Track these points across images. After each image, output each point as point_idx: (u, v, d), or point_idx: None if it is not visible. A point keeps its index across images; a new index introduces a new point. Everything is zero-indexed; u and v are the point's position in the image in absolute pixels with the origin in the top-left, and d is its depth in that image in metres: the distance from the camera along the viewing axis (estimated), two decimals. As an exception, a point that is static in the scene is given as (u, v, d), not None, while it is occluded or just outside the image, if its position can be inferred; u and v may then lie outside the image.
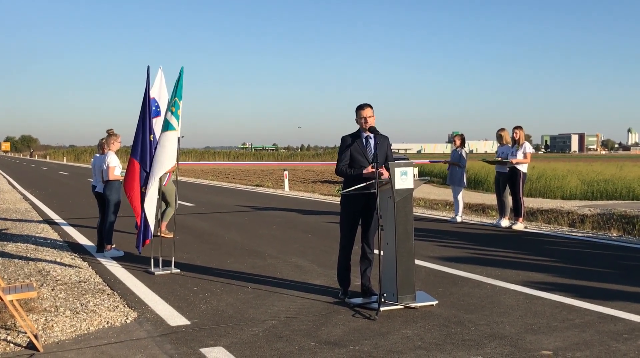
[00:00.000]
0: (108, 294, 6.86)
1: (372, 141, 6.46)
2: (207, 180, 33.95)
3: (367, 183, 6.16)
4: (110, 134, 9.65)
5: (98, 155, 9.73)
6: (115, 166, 9.38)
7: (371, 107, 6.50)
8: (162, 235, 10.46)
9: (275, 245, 10.32)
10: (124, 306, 6.34)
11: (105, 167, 9.40)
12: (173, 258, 8.28)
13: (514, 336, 5.27)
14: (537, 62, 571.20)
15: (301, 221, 13.77)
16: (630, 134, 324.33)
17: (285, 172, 26.40)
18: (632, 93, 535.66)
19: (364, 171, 6.32)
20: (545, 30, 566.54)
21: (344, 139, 6.54)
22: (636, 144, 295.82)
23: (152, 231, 8.00)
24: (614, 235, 11.48)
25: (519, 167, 12.15)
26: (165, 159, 7.85)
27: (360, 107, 6.48)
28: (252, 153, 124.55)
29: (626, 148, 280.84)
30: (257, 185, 28.40)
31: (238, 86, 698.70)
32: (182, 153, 8.16)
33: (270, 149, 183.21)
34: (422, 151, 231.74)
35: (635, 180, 22.01)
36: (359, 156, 6.42)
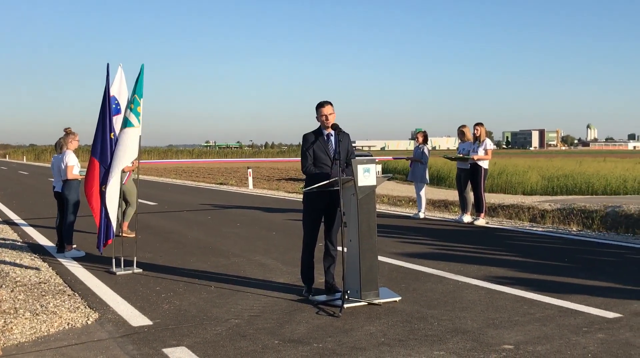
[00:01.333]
0: (69, 295, 6.75)
1: (333, 138, 6.47)
2: (170, 179, 33.66)
3: (330, 180, 6.16)
4: (68, 132, 9.50)
5: (57, 155, 9.57)
6: (74, 165, 9.24)
7: (331, 104, 6.51)
8: (124, 234, 10.34)
9: (239, 243, 10.27)
10: (85, 307, 6.25)
11: (63, 166, 9.26)
12: (135, 258, 8.18)
13: (476, 331, 5.32)
14: (498, 59, 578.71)
15: (265, 219, 13.73)
16: (589, 130, 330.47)
17: (249, 170, 26.32)
18: (592, 90, 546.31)
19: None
20: (505, 28, 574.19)
21: (306, 137, 6.53)
22: (595, 140, 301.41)
23: (114, 231, 7.90)
24: (574, 229, 11.67)
25: (480, 163, 12.28)
26: (123, 156, 7.76)
27: (321, 105, 6.49)
28: (216, 150, 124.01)
29: (585, 143, 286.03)
30: (221, 183, 28.26)
31: (201, 84, 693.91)
32: (144, 151, 8.06)
33: (234, 147, 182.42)
34: (386, 148, 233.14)
35: (594, 175, 22.40)
36: (321, 154, 6.42)
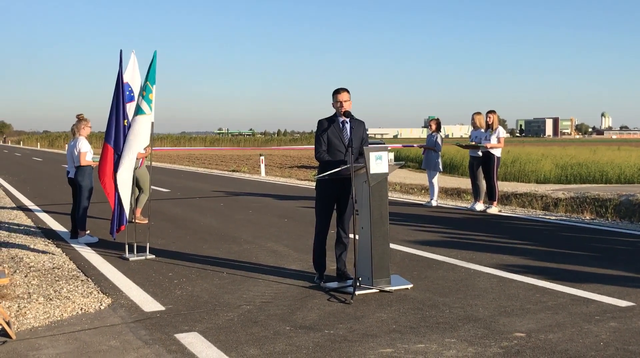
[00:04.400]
0: (82, 280, 6.80)
1: (347, 126, 6.46)
2: (183, 166, 33.76)
3: (342, 167, 6.15)
4: (80, 119, 9.53)
5: (71, 141, 9.62)
6: (87, 152, 9.28)
7: (348, 91, 6.49)
8: (137, 220, 10.39)
9: (251, 230, 10.30)
10: (98, 293, 6.29)
11: (76, 153, 9.30)
12: (148, 244, 8.23)
13: (488, 318, 5.32)
14: (512, 47, 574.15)
15: (277, 206, 13.75)
16: (603, 118, 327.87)
17: (262, 157, 26.34)
18: (606, 78, 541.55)
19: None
20: (520, 16, 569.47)
21: (320, 122, 6.53)
22: (609, 129, 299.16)
23: (127, 217, 7.93)
24: (587, 217, 11.62)
25: (493, 151, 12.22)
26: (135, 143, 7.78)
27: (337, 92, 6.47)
28: (229, 138, 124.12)
29: (600, 132, 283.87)
30: (234, 170, 28.31)
31: (215, 71, 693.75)
32: (157, 138, 8.10)
33: (247, 135, 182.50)
34: (399, 136, 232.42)
35: (608, 164, 22.28)
36: (336, 140, 6.41)
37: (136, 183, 10.24)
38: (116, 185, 7.72)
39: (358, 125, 6.47)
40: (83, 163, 9.25)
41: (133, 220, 9.45)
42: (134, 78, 8.33)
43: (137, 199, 10.75)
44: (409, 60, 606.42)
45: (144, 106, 7.84)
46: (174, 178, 23.03)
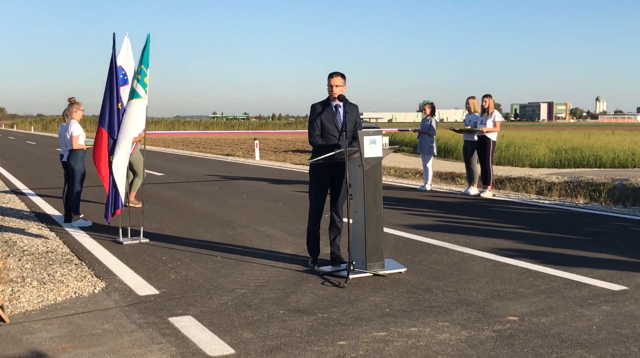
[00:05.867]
0: (76, 264, 6.79)
1: (341, 110, 6.44)
2: (177, 149, 33.68)
3: (336, 151, 6.14)
4: (72, 102, 9.47)
5: (64, 124, 9.57)
6: (79, 135, 9.23)
7: (342, 76, 6.46)
8: (131, 204, 10.36)
9: (246, 214, 10.30)
10: (92, 276, 6.29)
11: (68, 136, 9.25)
12: (142, 228, 8.22)
13: (481, 302, 5.34)
14: (506, 31, 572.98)
15: (272, 190, 13.74)
16: (598, 102, 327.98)
17: (256, 141, 26.29)
18: (601, 62, 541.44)
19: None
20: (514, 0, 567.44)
21: (314, 107, 6.50)
22: (604, 113, 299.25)
23: (123, 201, 7.91)
24: (581, 202, 11.65)
25: (488, 136, 12.21)
26: (131, 127, 7.74)
27: (330, 75, 6.46)
28: (223, 122, 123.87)
29: (594, 116, 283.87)
30: (228, 154, 28.27)
31: (209, 54, 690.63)
32: (151, 122, 8.09)
33: (242, 119, 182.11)
34: (394, 120, 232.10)
35: (602, 148, 22.32)
36: (329, 124, 6.39)
37: (130, 167, 10.22)
38: (111, 169, 7.70)
39: (352, 109, 6.46)
40: (75, 147, 9.21)
41: (127, 204, 9.43)
42: (127, 61, 8.30)
43: (131, 183, 10.72)
44: (405, 44, 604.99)
45: (139, 89, 7.80)
46: (168, 162, 22.98)
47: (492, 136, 12.26)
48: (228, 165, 21.74)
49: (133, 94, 7.81)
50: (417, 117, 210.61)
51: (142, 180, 10.23)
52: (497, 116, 12.28)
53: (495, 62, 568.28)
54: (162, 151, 32.09)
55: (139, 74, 7.83)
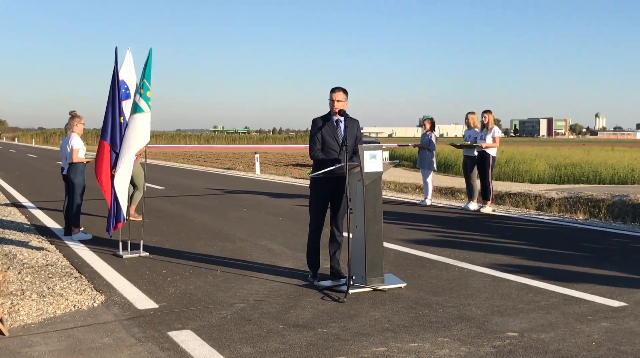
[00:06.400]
0: (75, 277, 6.78)
1: (342, 124, 6.47)
2: (178, 163, 33.72)
3: (337, 166, 6.15)
4: (73, 115, 9.49)
5: (65, 137, 9.59)
6: (79, 149, 9.24)
7: (344, 91, 6.50)
8: (131, 218, 10.35)
9: (246, 228, 10.29)
10: (92, 290, 6.28)
11: (69, 149, 9.26)
12: (142, 241, 8.21)
13: (481, 318, 5.32)
14: (507, 47, 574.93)
15: (272, 204, 13.74)
16: (597, 119, 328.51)
17: (257, 155, 26.31)
18: (600, 79, 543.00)
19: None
20: (515, 16, 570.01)
21: (315, 121, 6.54)
22: (603, 129, 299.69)
23: (124, 215, 7.90)
24: (580, 218, 11.64)
25: (488, 151, 12.23)
26: (134, 142, 7.75)
27: (332, 90, 6.51)
28: (224, 136, 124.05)
29: (594, 132, 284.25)
30: (228, 168, 28.29)
31: (210, 69, 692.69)
32: (152, 136, 8.10)
33: (242, 133, 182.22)
34: (394, 135, 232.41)
35: (602, 164, 22.32)
36: (330, 139, 6.43)
37: (130, 180, 10.22)
38: (113, 183, 7.70)
39: (352, 124, 6.49)
40: (75, 160, 9.22)
41: (127, 217, 9.43)
42: (129, 75, 8.32)
43: (131, 197, 10.71)
44: (405, 60, 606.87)
45: (143, 104, 7.81)
46: (169, 175, 22.99)
47: (492, 152, 12.29)
48: (228, 179, 21.75)
49: (136, 109, 7.82)
50: (417, 132, 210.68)
51: (142, 193, 10.23)
52: (497, 132, 12.31)
53: (495, 78, 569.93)
54: (163, 164, 32.11)
55: (141, 88, 7.85)
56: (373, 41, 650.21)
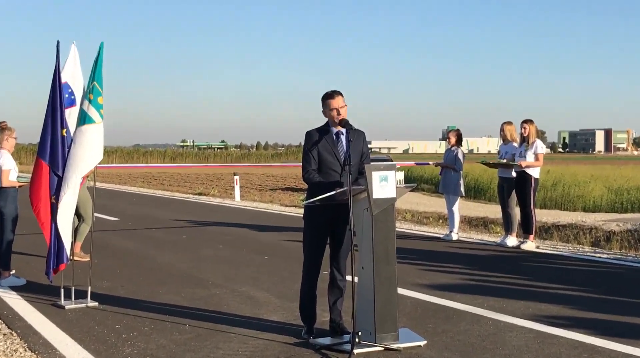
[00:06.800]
0: (4, 334, 6.76)
1: (343, 138, 6.47)
2: (136, 187, 33.75)
3: (338, 190, 6.15)
4: (3, 128, 9.48)
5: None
6: (10, 169, 9.23)
7: (342, 95, 6.52)
8: (76, 258, 10.33)
9: (222, 270, 10.28)
10: (25, 350, 6.26)
11: (-4, 171, 9.24)
12: (89, 288, 8.19)
13: (522, 385, 5.30)
14: (553, 44, 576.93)
15: (255, 239, 13.74)
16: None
17: (236, 177, 26.34)
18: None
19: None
20: (563, 5, 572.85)
21: (309, 135, 6.54)
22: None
23: (68, 254, 7.88)
24: (648, 256, 11.64)
25: (529, 171, 12.23)
26: (82, 161, 7.74)
27: (329, 96, 6.49)
28: (195, 152, 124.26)
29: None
30: (200, 194, 28.31)
31: (177, 69, 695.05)
32: (103, 153, 8.09)
33: (218, 148, 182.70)
34: (410, 151, 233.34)
35: (675, 188, 22.31)
36: (329, 156, 6.42)
37: (75, 210, 10.21)
38: (54, 213, 7.68)
39: (357, 137, 6.48)
40: (5, 184, 9.21)
41: (71, 257, 9.41)
42: (75, 77, 8.31)
43: (76, 231, 10.70)
44: (423, 57, 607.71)
45: (92, 112, 7.80)
46: (124, 203, 22.99)
47: (534, 172, 12.30)
48: (200, 207, 21.74)
49: (84, 119, 7.81)
50: (440, 148, 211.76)
51: (90, 226, 10.23)
52: (540, 147, 12.33)
53: (538, 80, 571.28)
54: (117, 189, 32.13)
55: (90, 92, 7.86)
56: (381, 34, 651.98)
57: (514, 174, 12.46)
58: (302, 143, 6.63)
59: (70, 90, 8.28)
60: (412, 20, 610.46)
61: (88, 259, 9.88)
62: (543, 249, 12.32)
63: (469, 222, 16.27)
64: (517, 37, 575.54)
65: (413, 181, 31.26)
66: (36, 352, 6.22)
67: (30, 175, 8.08)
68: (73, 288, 8.16)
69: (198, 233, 14.94)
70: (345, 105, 6.48)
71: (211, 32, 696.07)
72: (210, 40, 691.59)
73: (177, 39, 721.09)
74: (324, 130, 6.53)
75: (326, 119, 6.56)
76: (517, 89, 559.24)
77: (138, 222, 17.04)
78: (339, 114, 6.44)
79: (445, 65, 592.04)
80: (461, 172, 13.57)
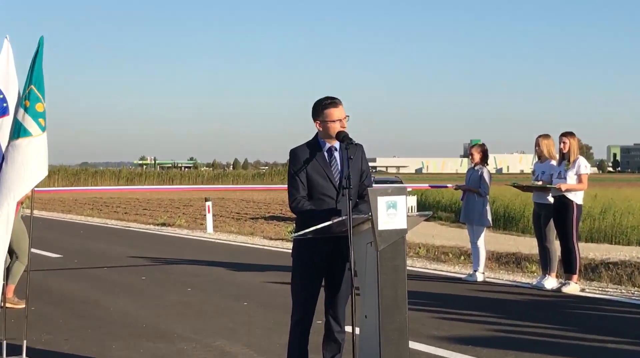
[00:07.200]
0: None
1: (337, 154, 6.47)
2: (83, 216, 33.69)
3: (334, 220, 6.13)
4: None
5: None
6: None
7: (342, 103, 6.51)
8: (8, 304, 10.30)
9: (191, 319, 10.27)
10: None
11: None
12: (25, 342, 8.16)
13: None
14: (600, 41, 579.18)
15: (232, 281, 13.73)
16: None
17: (208, 203, 26.28)
18: None
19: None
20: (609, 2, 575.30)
21: (295, 154, 6.49)
22: None
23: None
24: None
25: (569, 196, 12.21)
26: (16, 184, 7.73)
27: (331, 104, 6.42)
28: (156, 172, 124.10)
29: None
30: (163, 224, 28.28)
31: (132, 73, 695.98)
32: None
33: (185, 167, 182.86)
34: (424, 170, 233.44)
35: None
36: (321, 179, 6.40)
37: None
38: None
39: (355, 153, 6.44)
40: None
41: (2, 304, 9.39)
42: (8, 80, 8.32)
43: (8, 271, 10.67)
44: (442, 59, 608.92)
45: (29, 123, 7.77)
46: (69, 236, 22.95)
47: (576, 197, 12.27)
48: (164, 241, 21.72)
49: (18, 131, 7.79)
50: (462, 166, 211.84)
51: (25, 265, 10.19)
52: (584, 166, 12.29)
53: (580, 84, 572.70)
54: (60, 218, 32.08)
55: (27, 99, 7.84)
56: (390, 33, 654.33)
57: (551, 199, 12.45)
58: (288, 164, 6.58)
59: (2, 96, 8.28)
60: (427, 11, 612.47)
61: (23, 306, 9.86)
62: (589, 292, 12.32)
63: (498, 259, 16.26)
64: (557, 32, 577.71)
65: (428, 209, 31.25)
66: None
67: None
68: (4, 341, 8.13)
69: (161, 273, 14.91)
70: (347, 115, 6.48)
71: (177, 23, 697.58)
72: (178, 33, 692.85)
73: (135, 28, 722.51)
74: (314, 146, 6.50)
75: (317, 132, 6.55)
76: (557, 95, 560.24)
77: (86, 260, 16.99)
78: (342, 125, 6.42)
79: (466, 64, 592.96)
80: (487, 197, 13.57)
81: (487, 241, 14.02)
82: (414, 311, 8.76)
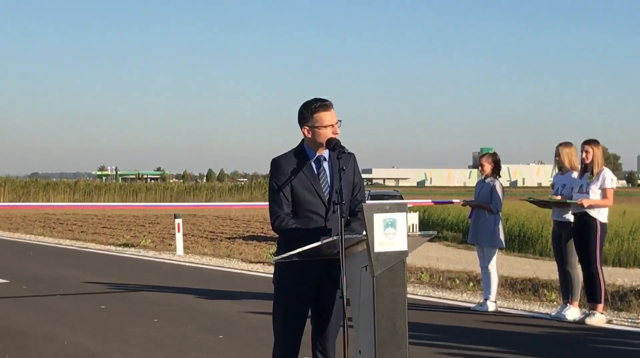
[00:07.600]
0: None
1: (327, 165, 6.46)
2: (33, 236, 33.62)
3: (323, 241, 6.11)
4: None
5: None
6: None
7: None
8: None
9: (158, 356, 10.26)
10: None
11: None
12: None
13: None
14: (622, 35, 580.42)
15: (205, 311, 13.72)
16: None
17: (178, 221, 26.25)
18: None
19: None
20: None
21: (277, 164, 6.46)
22: None
23: None
24: None
25: (593, 213, 12.18)
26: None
27: (322, 107, 6.40)
28: (118, 185, 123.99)
29: None
30: (126, 245, 28.25)
31: (89, 68, 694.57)
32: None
33: (152, 179, 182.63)
34: (427, 183, 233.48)
35: None
36: (308, 194, 6.38)
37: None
38: None
39: (347, 164, 6.42)
40: None
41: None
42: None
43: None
44: (447, 59, 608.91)
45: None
46: (15, 259, 22.93)
47: (600, 215, 12.22)
48: (126, 264, 21.71)
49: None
50: (470, 178, 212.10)
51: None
52: (609, 179, 12.24)
53: (607, 86, 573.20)
54: (5, 238, 32.00)
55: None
56: (386, 31, 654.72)
57: (571, 217, 12.42)
58: (269, 176, 6.53)
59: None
60: (433, 10, 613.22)
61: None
62: (617, 324, 12.32)
63: (512, 285, 16.28)
64: (581, 27, 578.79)
65: (432, 227, 31.30)
66: None
67: None
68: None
69: (123, 301, 14.89)
70: (339, 120, 6.46)
71: (141, 14, 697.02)
72: (137, 23, 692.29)
73: (86, 27, 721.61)
74: (300, 155, 6.46)
75: (304, 139, 6.52)
76: (580, 98, 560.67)
77: (35, 286, 16.97)
78: (334, 132, 6.38)
79: (475, 62, 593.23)
80: (500, 214, 13.57)
81: (500, 265, 14.04)
82: (416, 346, 8.77)
